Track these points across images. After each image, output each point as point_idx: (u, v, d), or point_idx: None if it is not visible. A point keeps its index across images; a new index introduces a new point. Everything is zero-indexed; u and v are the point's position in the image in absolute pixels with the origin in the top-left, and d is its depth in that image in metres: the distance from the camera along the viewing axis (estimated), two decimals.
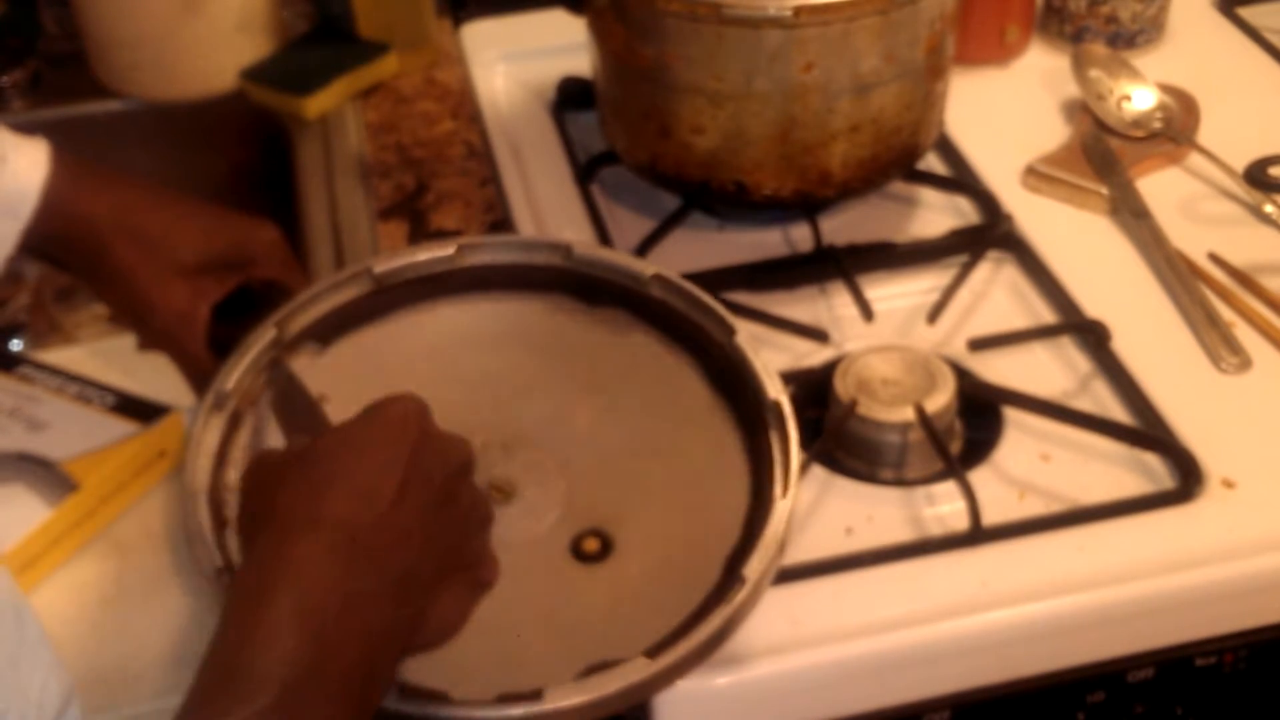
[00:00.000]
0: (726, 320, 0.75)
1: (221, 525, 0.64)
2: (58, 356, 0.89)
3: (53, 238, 0.75)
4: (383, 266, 0.75)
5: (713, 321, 0.76)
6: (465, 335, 0.77)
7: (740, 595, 0.63)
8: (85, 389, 0.84)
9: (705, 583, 0.66)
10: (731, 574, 0.66)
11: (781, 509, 0.67)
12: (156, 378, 0.82)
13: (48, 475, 0.78)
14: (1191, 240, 0.95)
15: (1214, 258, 0.94)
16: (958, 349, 0.88)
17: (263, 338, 0.71)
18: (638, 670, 0.61)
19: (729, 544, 0.68)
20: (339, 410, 0.66)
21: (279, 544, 0.54)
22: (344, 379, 0.73)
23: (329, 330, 0.74)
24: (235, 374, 0.70)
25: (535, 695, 0.60)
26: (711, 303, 0.76)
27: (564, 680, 0.61)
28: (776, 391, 0.72)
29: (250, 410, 0.71)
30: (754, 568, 0.64)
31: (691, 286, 0.77)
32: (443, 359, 0.76)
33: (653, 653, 0.62)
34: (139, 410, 0.82)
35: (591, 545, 0.70)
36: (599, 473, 0.73)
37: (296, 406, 0.70)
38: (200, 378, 0.77)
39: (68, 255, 0.76)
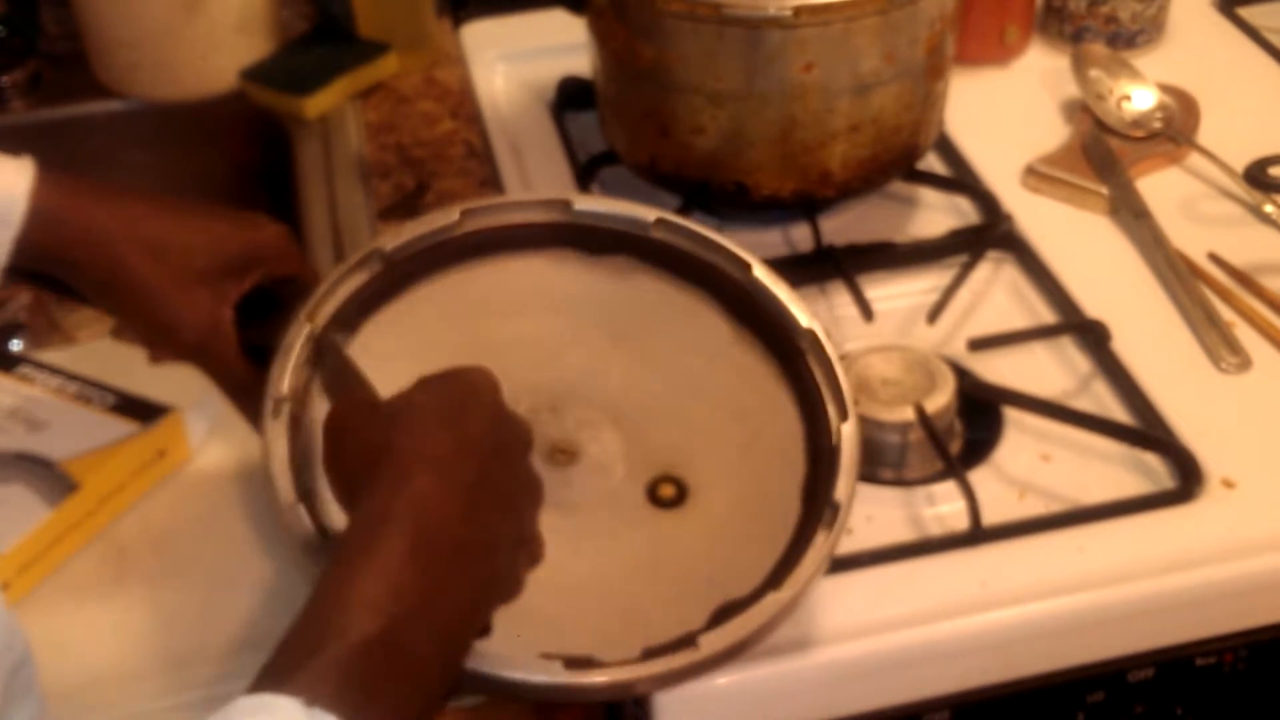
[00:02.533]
0: (741, 256, 0.77)
1: (323, 532, 0.64)
2: (58, 356, 0.89)
3: (56, 252, 0.72)
4: (392, 244, 0.75)
5: (726, 259, 0.77)
6: (482, 301, 0.77)
7: (840, 520, 0.67)
8: (85, 389, 0.84)
9: (788, 514, 0.70)
10: (813, 503, 0.69)
11: (849, 431, 0.71)
12: (156, 378, 0.81)
13: (48, 475, 0.78)
14: (1191, 240, 0.95)
15: (1214, 258, 0.94)
16: (958, 349, 0.88)
17: (299, 334, 0.70)
18: (771, 605, 0.64)
19: (799, 473, 0.71)
20: (382, 393, 0.66)
21: (398, 479, 0.54)
22: (378, 362, 0.72)
23: (351, 316, 0.74)
24: (286, 376, 0.69)
25: (687, 642, 0.63)
26: (723, 240, 0.77)
27: (693, 625, 0.64)
28: (808, 319, 0.74)
29: (303, 410, 0.70)
30: (843, 492, 0.68)
31: (699, 226, 0.78)
32: (467, 328, 0.76)
33: (771, 586, 0.65)
34: (139, 410, 0.82)
35: (667, 491, 0.72)
36: (649, 419, 0.75)
37: (349, 384, 0.70)
38: (236, 385, 0.75)
39: (74, 270, 0.73)
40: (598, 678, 0.62)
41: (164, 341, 0.75)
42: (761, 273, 0.76)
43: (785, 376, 0.75)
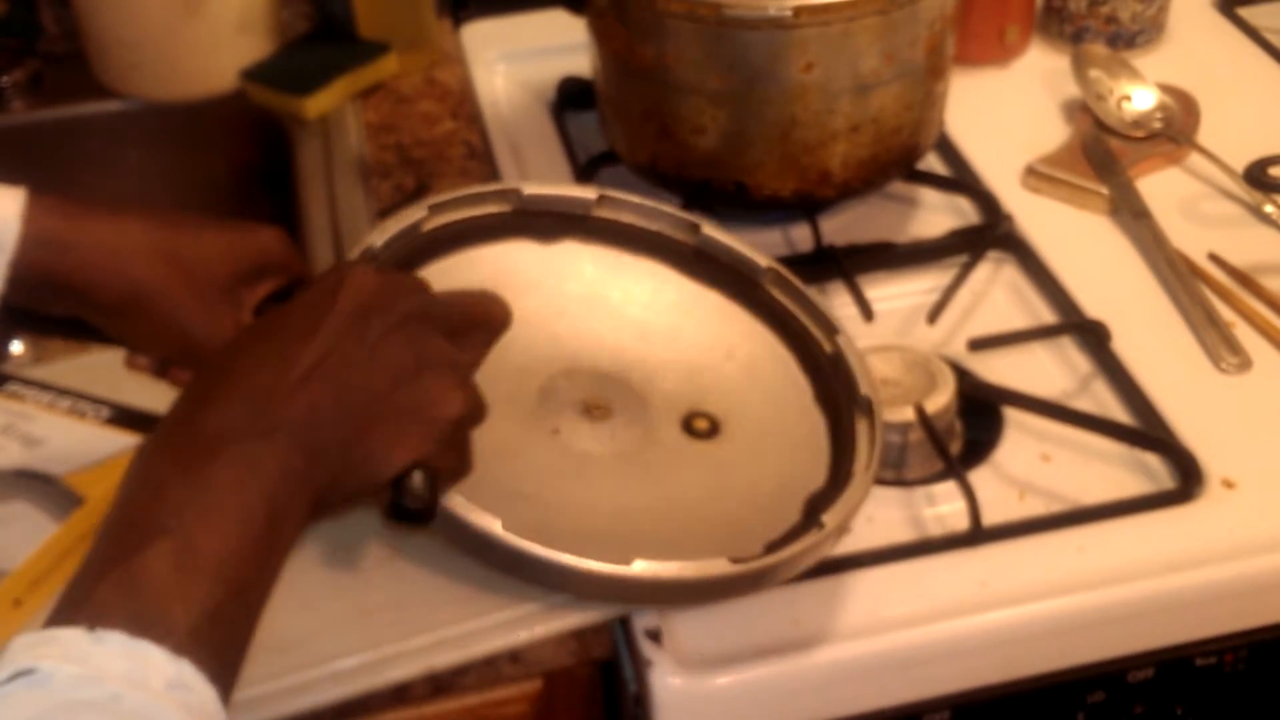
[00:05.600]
0: (687, 219, 0.83)
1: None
2: (41, 373, 0.86)
3: (64, 278, 0.69)
4: (380, 240, 0.76)
5: (672, 225, 0.84)
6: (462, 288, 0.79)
7: (878, 413, 0.74)
8: (78, 403, 0.82)
9: (815, 424, 0.77)
10: (833, 409, 0.76)
11: (846, 342, 0.78)
12: (142, 390, 0.79)
13: (50, 491, 0.77)
14: (1191, 240, 0.95)
15: (1214, 258, 0.94)
16: (958, 349, 0.88)
17: None
18: (860, 484, 0.71)
19: (805, 389, 0.79)
20: None
21: (175, 408, 0.57)
22: None
23: None
24: None
25: (807, 525, 0.69)
26: (667, 208, 0.84)
27: (792, 521, 0.70)
28: (766, 260, 0.82)
29: None
30: (866, 387, 0.75)
31: (639, 198, 0.84)
32: None
33: (844, 475, 0.72)
34: (136, 422, 0.81)
35: (702, 424, 0.77)
36: (653, 372, 0.79)
37: None
38: None
39: (85, 295, 0.70)
40: (763, 562, 0.66)
41: (190, 358, 0.73)
42: (711, 229, 0.82)
43: (754, 312, 0.81)
